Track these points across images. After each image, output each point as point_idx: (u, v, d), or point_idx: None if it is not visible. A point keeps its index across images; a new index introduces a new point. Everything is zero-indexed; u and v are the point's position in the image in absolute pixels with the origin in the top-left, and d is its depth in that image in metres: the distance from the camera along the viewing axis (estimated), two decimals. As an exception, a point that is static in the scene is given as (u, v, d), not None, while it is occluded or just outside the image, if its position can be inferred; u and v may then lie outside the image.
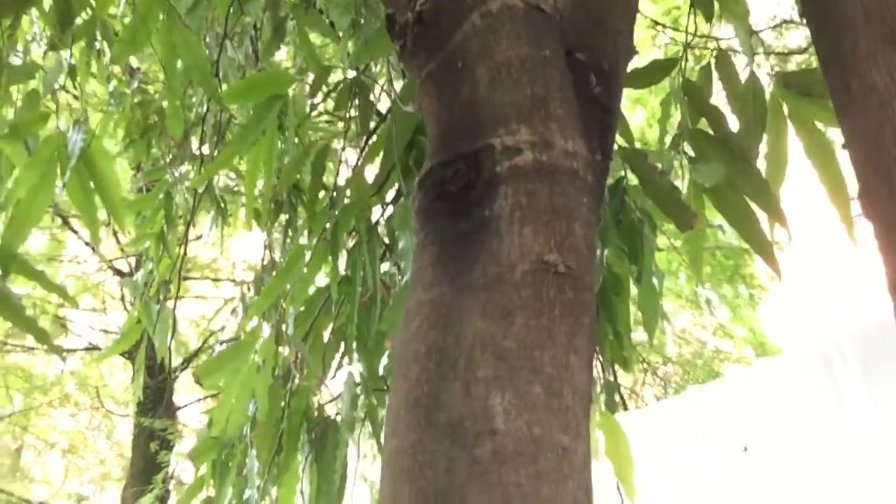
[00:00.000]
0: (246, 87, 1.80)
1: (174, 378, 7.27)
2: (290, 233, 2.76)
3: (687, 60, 1.34)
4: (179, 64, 1.88)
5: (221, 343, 7.38)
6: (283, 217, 2.70)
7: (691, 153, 1.32)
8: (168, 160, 3.18)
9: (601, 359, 1.47)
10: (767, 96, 1.29)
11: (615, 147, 1.25)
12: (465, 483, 0.64)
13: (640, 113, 5.95)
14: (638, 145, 1.68)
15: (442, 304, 0.76)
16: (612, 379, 1.48)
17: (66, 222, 7.35)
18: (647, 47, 6.14)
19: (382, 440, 0.75)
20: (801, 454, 3.57)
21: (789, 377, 3.95)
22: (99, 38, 2.55)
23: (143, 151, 3.26)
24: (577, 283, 0.74)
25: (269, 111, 1.81)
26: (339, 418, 1.74)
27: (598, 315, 1.40)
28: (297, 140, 2.07)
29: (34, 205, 1.59)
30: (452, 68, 0.86)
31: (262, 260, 3.20)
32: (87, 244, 7.56)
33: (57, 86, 2.43)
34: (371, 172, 1.92)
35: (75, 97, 4.27)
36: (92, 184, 1.63)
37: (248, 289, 3.21)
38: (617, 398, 1.55)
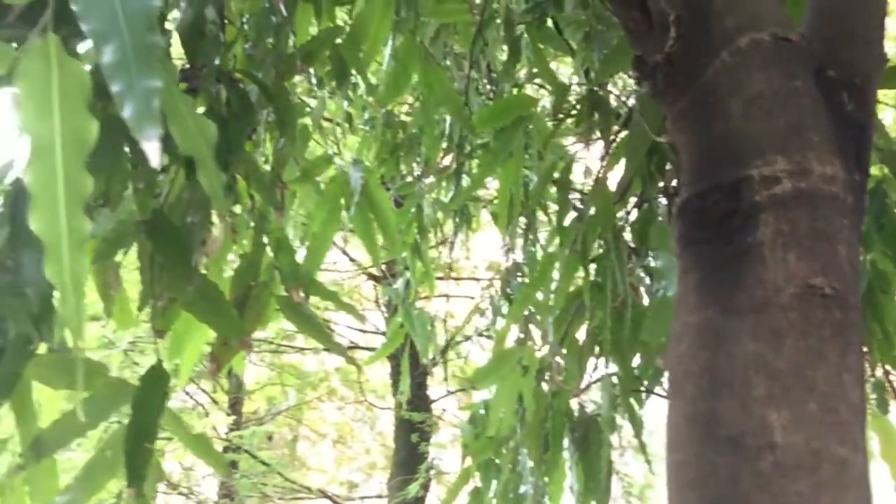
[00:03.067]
0: (493, 113, 1.96)
1: (428, 373, 7.75)
2: (529, 235, 2.91)
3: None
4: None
5: (467, 339, 7.76)
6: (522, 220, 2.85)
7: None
8: (417, 175, 3.46)
9: (869, 358, 1.45)
10: None
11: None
12: (750, 492, 0.71)
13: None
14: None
15: (709, 326, 0.84)
16: (882, 378, 1.45)
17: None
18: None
19: (665, 450, 0.84)
20: None
21: None
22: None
23: (393, 168, 3.55)
24: (843, 304, 0.79)
25: (514, 133, 1.95)
26: (599, 418, 1.84)
27: (864, 318, 1.39)
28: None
29: (325, 236, 1.84)
30: (704, 104, 0.93)
31: (506, 262, 3.39)
32: (343, 252, 8.24)
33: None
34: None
35: (328, 120, 4.72)
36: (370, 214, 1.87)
37: (496, 291, 3.40)
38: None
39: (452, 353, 8.23)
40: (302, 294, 1.74)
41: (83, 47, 0.97)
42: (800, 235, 0.81)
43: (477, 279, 8.39)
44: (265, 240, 1.71)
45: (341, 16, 2.22)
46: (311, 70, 1.96)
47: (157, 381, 1.35)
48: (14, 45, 0.90)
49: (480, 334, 7.38)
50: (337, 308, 1.89)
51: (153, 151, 0.54)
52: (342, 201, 1.83)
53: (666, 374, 1.94)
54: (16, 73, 0.56)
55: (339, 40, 1.77)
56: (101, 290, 1.57)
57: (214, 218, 1.45)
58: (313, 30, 1.88)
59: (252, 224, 1.71)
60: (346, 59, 1.73)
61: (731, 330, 0.81)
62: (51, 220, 0.57)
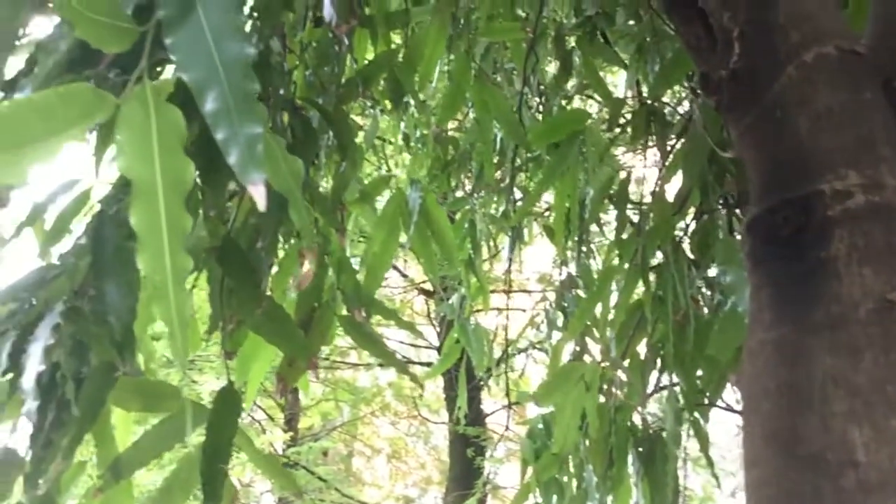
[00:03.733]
0: (547, 130, 1.97)
1: (481, 387, 7.75)
2: (582, 248, 2.90)
3: None
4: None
5: (521, 352, 7.74)
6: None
7: None
8: (469, 191, 3.49)
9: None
10: None
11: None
12: (834, 511, 0.71)
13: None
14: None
15: (785, 343, 0.83)
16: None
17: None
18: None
19: (742, 468, 0.84)
20: None
21: None
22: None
23: (445, 183, 3.58)
24: (923, 319, 0.78)
25: (569, 148, 1.96)
26: (664, 433, 1.83)
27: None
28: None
29: (384, 256, 1.87)
30: (771, 119, 0.93)
31: (560, 275, 3.40)
32: (394, 267, 8.29)
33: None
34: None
35: (380, 139, 4.79)
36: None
37: (551, 304, 3.40)
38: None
39: (505, 367, 8.20)
40: (364, 314, 1.77)
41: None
42: (875, 250, 0.80)
43: (528, 291, 8.36)
44: (327, 261, 1.74)
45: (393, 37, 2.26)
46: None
47: (229, 402, 1.38)
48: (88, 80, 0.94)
49: (534, 347, 7.35)
50: (397, 326, 1.92)
51: (260, 196, 0.56)
52: (401, 221, 1.86)
53: (730, 387, 1.92)
54: (117, 121, 0.59)
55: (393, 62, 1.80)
56: (171, 314, 1.61)
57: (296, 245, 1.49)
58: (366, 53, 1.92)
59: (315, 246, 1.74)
60: (403, 81, 1.76)
61: (808, 346, 0.80)
62: (157, 260, 0.60)
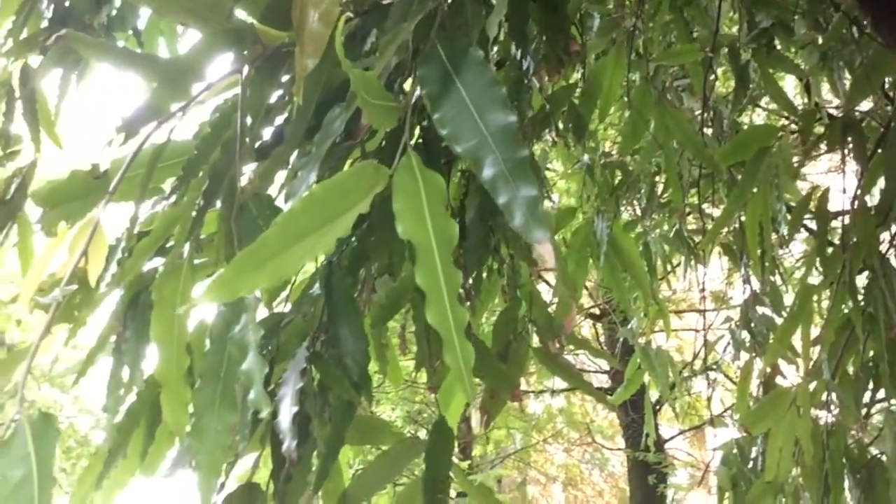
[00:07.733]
0: (734, 148, 1.92)
1: (657, 411, 7.53)
2: (765, 263, 2.79)
3: None
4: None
5: (705, 371, 7.45)
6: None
7: None
8: (639, 214, 3.45)
9: None
10: None
11: None
12: None
13: None
14: None
15: None
16: None
17: (540, 276, 8.14)
18: None
19: None
20: None
21: None
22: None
23: (612, 207, 3.56)
24: None
25: (758, 166, 1.90)
26: (884, 457, 1.73)
27: None
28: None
29: (574, 287, 1.89)
30: None
31: (743, 293, 3.29)
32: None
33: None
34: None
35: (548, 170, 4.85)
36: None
37: (735, 323, 3.28)
38: None
39: (678, 389, 7.94)
40: (558, 344, 1.79)
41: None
42: None
43: (701, 311, 8.07)
44: (519, 294, 1.78)
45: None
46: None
47: (443, 436, 1.44)
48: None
49: (710, 368, 7.07)
50: (591, 355, 1.93)
51: (548, 252, 0.61)
52: (588, 251, 1.88)
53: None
54: (393, 190, 0.65)
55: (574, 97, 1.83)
56: (377, 351, 1.71)
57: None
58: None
59: (506, 280, 1.79)
60: (583, 114, 1.78)
61: None
62: (441, 313, 0.65)
